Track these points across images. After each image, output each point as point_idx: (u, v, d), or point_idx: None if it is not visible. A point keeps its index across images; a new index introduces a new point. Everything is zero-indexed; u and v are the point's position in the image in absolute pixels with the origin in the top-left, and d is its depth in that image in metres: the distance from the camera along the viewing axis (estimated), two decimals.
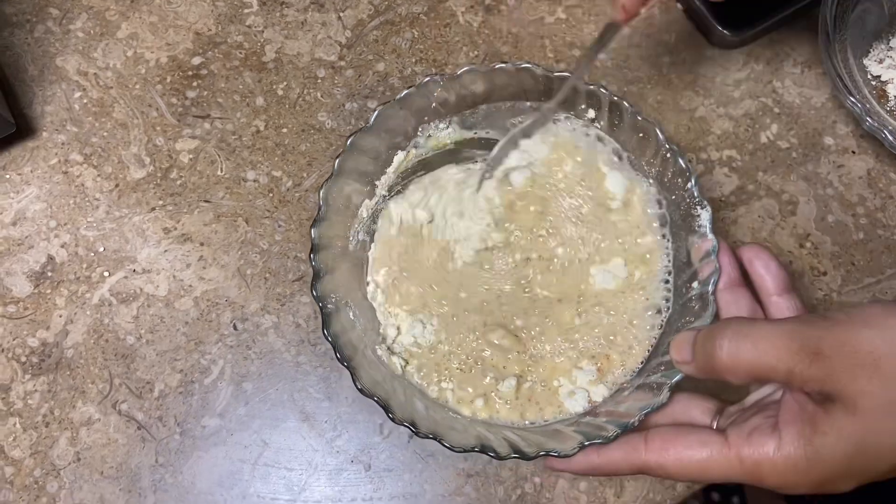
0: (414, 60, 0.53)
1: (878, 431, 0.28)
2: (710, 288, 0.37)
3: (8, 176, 0.49)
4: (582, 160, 0.43)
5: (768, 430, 0.31)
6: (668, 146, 0.39)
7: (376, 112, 0.41)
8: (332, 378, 0.45)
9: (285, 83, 0.52)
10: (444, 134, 0.45)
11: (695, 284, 0.38)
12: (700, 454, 0.33)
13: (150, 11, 0.53)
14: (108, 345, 0.46)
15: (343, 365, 0.36)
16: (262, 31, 0.53)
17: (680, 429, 0.34)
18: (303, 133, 0.51)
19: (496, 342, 0.41)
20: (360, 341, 0.39)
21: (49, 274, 0.47)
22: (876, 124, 0.46)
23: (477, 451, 0.35)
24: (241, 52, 0.53)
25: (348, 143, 0.41)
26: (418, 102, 0.43)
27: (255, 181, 0.50)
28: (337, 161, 0.40)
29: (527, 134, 0.43)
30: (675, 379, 0.35)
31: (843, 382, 0.28)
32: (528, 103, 0.43)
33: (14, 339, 0.46)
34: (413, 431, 0.35)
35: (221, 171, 0.50)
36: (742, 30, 0.51)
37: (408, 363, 0.41)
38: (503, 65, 0.41)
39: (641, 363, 0.40)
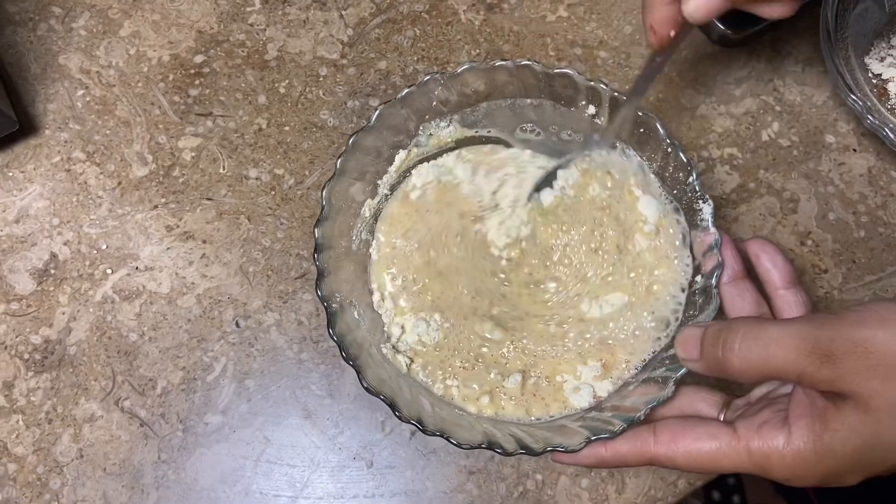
0: (416, 59, 0.53)
1: (888, 428, 0.29)
2: (714, 281, 0.37)
3: (11, 174, 0.49)
4: (612, 185, 0.43)
5: (778, 423, 0.31)
6: (668, 140, 0.39)
7: (378, 111, 0.41)
8: (335, 375, 0.45)
9: (287, 81, 0.52)
10: (446, 132, 0.45)
11: (698, 278, 0.39)
12: (709, 446, 0.33)
13: (153, 10, 0.54)
14: (111, 342, 0.46)
15: (349, 364, 0.36)
16: (265, 30, 0.53)
17: (688, 421, 0.34)
18: (305, 131, 0.51)
19: (487, 335, 0.41)
20: (365, 340, 0.40)
21: (52, 271, 0.47)
22: (877, 122, 0.47)
23: (484, 448, 0.35)
24: (243, 51, 0.53)
25: (350, 142, 0.41)
26: (419, 101, 0.43)
27: (257, 179, 0.50)
28: (339, 161, 0.40)
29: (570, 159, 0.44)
30: (681, 373, 0.35)
31: (855, 383, 0.28)
32: (529, 100, 0.43)
33: (17, 337, 0.46)
34: (420, 429, 0.35)
35: (224, 169, 0.50)
36: (743, 28, 0.51)
37: (413, 361, 0.41)
38: (503, 62, 0.41)
39: (645, 360, 0.40)
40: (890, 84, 0.50)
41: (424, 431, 0.35)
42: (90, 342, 0.46)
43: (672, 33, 0.37)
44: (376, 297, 0.43)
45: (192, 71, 0.52)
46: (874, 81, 0.50)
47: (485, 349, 0.41)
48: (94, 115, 0.51)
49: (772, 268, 0.37)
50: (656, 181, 0.42)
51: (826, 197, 0.50)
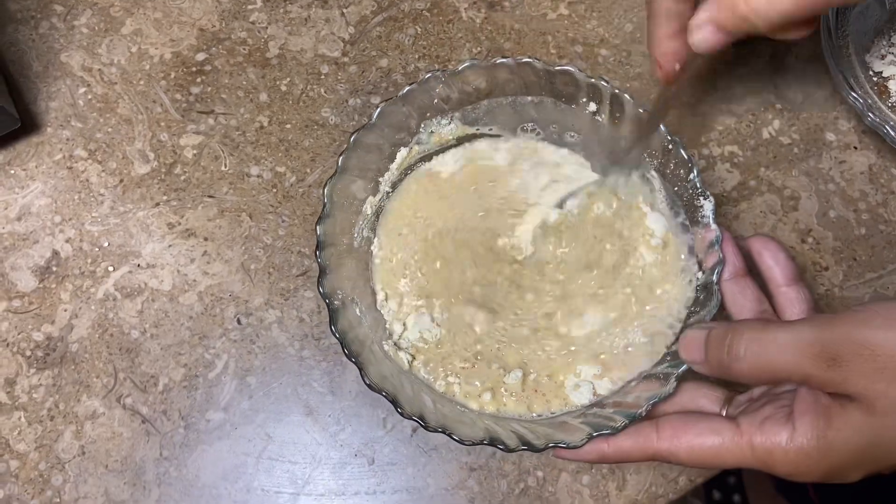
0: (417, 57, 0.53)
1: (893, 429, 0.29)
2: (715, 278, 0.37)
3: (13, 171, 0.49)
4: (618, 205, 0.43)
5: (782, 419, 0.31)
6: (669, 137, 0.39)
7: (379, 108, 0.41)
8: (336, 372, 0.46)
9: (289, 79, 0.52)
10: (447, 130, 0.45)
11: (699, 274, 0.39)
12: (712, 441, 0.33)
13: (155, 8, 0.54)
14: (113, 339, 0.46)
15: (351, 361, 0.37)
16: (266, 28, 0.53)
17: (690, 416, 0.35)
18: (306, 129, 0.51)
19: (477, 328, 0.41)
20: (367, 337, 0.40)
21: (54, 269, 0.47)
22: (878, 120, 0.47)
23: (486, 444, 0.35)
24: (244, 49, 0.53)
25: (351, 140, 0.41)
26: (421, 98, 0.43)
27: (258, 177, 0.50)
28: (340, 158, 0.40)
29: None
30: (682, 369, 0.35)
31: (861, 385, 0.29)
32: (530, 98, 0.43)
33: (19, 334, 0.46)
34: (422, 425, 0.35)
35: (225, 167, 0.50)
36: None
37: (415, 358, 0.41)
38: (504, 60, 0.41)
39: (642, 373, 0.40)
40: (890, 82, 0.50)
41: (426, 428, 0.36)
42: (92, 339, 0.46)
43: (678, 66, 0.36)
44: (380, 296, 0.43)
45: (194, 69, 0.52)
46: (875, 79, 0.50)
47: (479, 346, 0.41)
48: (96, 112, 0.51)
49: (774, 265, 0.37)
50: (665, 199, 0.42)
51: (827, 194, 0.50)
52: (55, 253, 0.48)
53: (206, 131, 0.51)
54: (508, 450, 0.35)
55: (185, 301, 0.47)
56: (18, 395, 0.45)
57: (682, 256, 0.41)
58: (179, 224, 0.49)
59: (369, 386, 0.36)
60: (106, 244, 0.48)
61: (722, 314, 0.38)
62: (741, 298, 0.38)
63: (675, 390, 0.36)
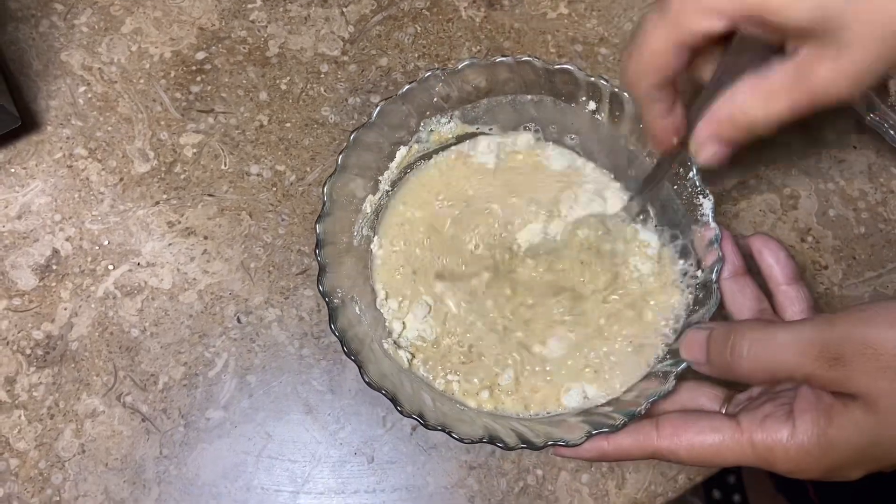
0: (416, 55, 0.53)
1: (895, 426, 0.29)
2: (714, 276, 0.37)
3: (13, 170, 0.49)
4: (603, 230, 0.43)
5: (782, 417, 0.31)
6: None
7: (379, 107, 0.41)
8: (336, 371, 0.46)
9: (288, 78, 0.52)
10: (447, 128, 0.45)
11: (699, 273, 0.39)
12: (712, 439, 0.33)
13: (155, 7, 0.54)
14: (113, 337, 0.46)
15: (350, 359, 0.37)
16: (266, 27, 0.53)
17: (690, 414, 0.35)
18: (306, 127, 0.51)
19: (465, 318, 0.41)
20: (367, 335, 0.40)
21: (54, 267, 0.48)
22: (877, 119, 0.47)
23: (485, 442, 0.35)
24: (244, 47, 0.53)
25: (351, 138, 0.41)
26: (420, 97, 0.43)
27: (258, 175, 0.50)
28: (340, 157, 0.40)
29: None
30: (682, 367, 0.35)
31: (863, 384, 0.29)
32: (529, 96, 0.43)
33: (19, 332, 0.46)
34: (421, 424, 0.36)
35: (225, 166, 0.50)
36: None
37: (414, 357, 0.41)
38: (504, 58, 0.41)
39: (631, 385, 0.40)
40: (890, 81, 0.50)
41: (426, 426, 0.36)
42: (92, 338, 0.46)
43: (675, 140, 0.36)
44: (380, 295, 0.43)
45: (194, 67, 0.52)
46: None
47: (474, 345, 0.41)
48: (96, 111, 0.51)
49: (774, 263, 0.37)
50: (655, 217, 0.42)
51: (826, 193, 0.50)
52: (55, 251, 0.48)
53: (206, 130, 0.51)
54: (508, 448, 0.35)
55: (185, 299, 0.47)
56: (18, 394, 0.45)
57: (677, 267, 0.41)
58: (179, 223, 0.49)
59: (369, 384, 0.36)
60: (106, 243, 0.48)
61: (721, 313, 0.38)
62: (741, 297, 0.38)
63: (675, 389, 0.36)
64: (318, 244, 0.39)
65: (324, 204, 0.40)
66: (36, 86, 0.51)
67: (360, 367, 0.36)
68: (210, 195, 0.49)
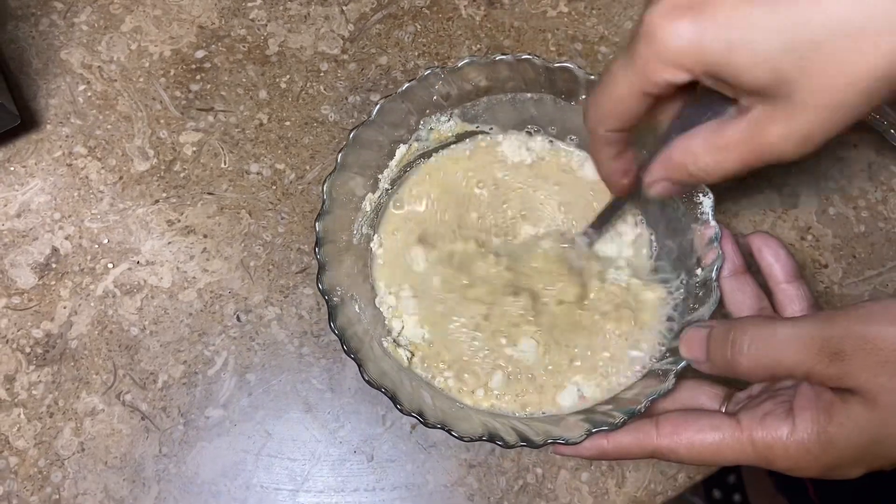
0: (416, 54, 0.53)
1: (895, 425, 0.29)
2: (714, 274, 0.37)
3: (13, 168, 0.49)
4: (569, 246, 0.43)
5: (782, 414, 0.31)
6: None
7: (378, 105, 0.41)
8: (335, 369, 0.46)
9: (288, 76, 0.52)
10: (446, 127, 0.45)
11: (699, 271, 0.39)
12: (712, 437, 0.33)
13: (154, 5, 0.54)
14: (112, 336, 0.46)
15: (350, 357, 0.37)
16: (266, 25, 0.53)
17: (690, 413, 0.35)
18: (306, 126, 0.51)
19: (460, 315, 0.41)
20: (366, 334, 0.40)
21: (53, 266, 0.47)
22: (877, 118, 0.47)
23: (485, 440, 0.35)
24: (244, 46, 0.53)
25: (351, 136, 0.41)
26: (420, 95, 0.43)
27: (258, 174, 0.50)
28: (340, 155, 0.40)
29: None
30: (681, 365, 0.35)
31: (863, 379, 0.29)
32: (529, 95, 0.43)
33: (19, 331, 0.46)
34: (421, 422, 0.35)
35: (225, 164, 0.50)
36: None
37: (413, 355, 0.41)
38: (504, 56, 0.41)
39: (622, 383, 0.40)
40: None
41: (426, 424, 0.36)
42: (91, 336, 0.46)
43: (626, 181, 0.37)
44: (380, 293, 0.43)
45: (194, 66, 0.52)
46: None
47: (469, 344, 0.41)
48: (96, 110, 0.51)
49: (774, 262, 0.37)
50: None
51: (826, 192, 0.50)
52: (55, 250, 0.48)
53: (206, 128, 0.51)
54: (507, 446, 0.35)
55: (185, 298, 0.47)
56: (18, 392, 0.45)
57: (657, 269, 0.42)
58: (179, 221, 0.49)
59: (368, 382, 0.36)
60: (105, 241, 0.48)
61: (721, 312, 0.38)
62: (740, 296, 0.38)
63: (675, 387, 0.36)
64: (318, 242, 0.39)
65: (323, 202, 0.40)
66: (35, 84, 0.51)
67: (359, 366, 0.36)
68: (210, 194, 0.49)
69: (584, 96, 0.42)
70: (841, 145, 0.51)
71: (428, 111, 0.44)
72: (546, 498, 0.43)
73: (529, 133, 0.45)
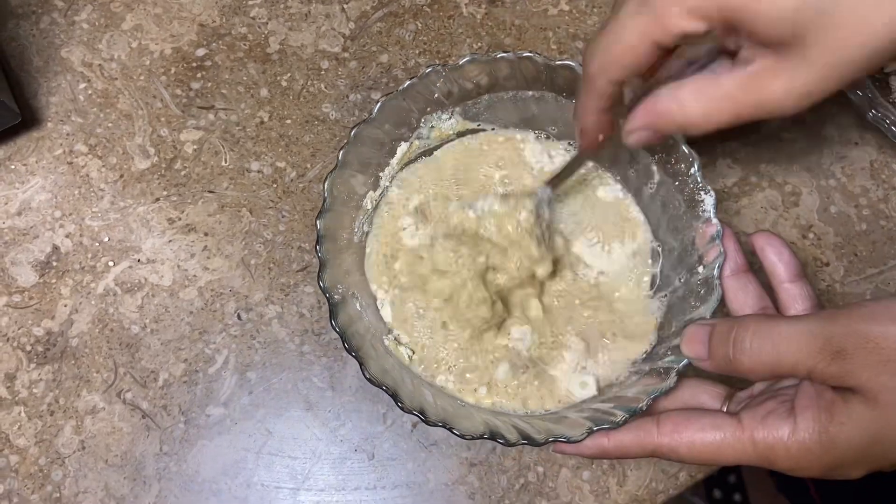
0: (417, 52, 0.53)
1: (895, 422, 0.29)
2: (716, 273, 0.37)
3: (13, 166, 0.49)
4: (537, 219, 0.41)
5: (783, 414, 0.31)
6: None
7: (379, 103, 0.41)
8: (336, 367, 0.46)
9: (289, 74, 0.52)
10: (447, 124, 0.45)
11: (700, 269, 0.39)
12: (713, 437, 0.33)
13: (155, 3, 0.54)
14: (113, 334, 0.46)
15: (351, 355, 0.36)
16: (266, 23, 0.53)
17: (692, 412, 0.34)
18: (306, 124, 0.51)
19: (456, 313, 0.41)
20: (367, 332, 0.40)
21: (54, 264, 0.47)
22: (879, 115, 0.47)
23: (486, 438, 0.35)
24: (245, 44, 0.53)
25: (352, 134, 0.41)
26: (421, 93, 0.43)
27: (259, 172, 0.50)
28: (341, 153, 0.40)
29: None
30: (683, 364, 0.35)
31: (864, 377, 0.28)
32: (531, 92, 0.43)
33: (19, 329, 0.46)
34: (422, 420, 0.35)
35: (225, 162, 0.50)
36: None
37: (414, 353, 0.41)
38: (505, 54, 0.41)
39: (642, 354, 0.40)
40: (892, 77, 0.50)
41: (427, 422, 0.35)
42: (92, 334, 0.46)
43: (601, 138, 0.37)
44: (380, 297, 0.43)
45: (194, 64, 0.52)
46: (876, 75, 0.50)
47: (465, 342, 0.41)
48: (97, 108, 0.51)
49: (777, 261, 0.37)
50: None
51: (828, 190, 0.50)
52: (55, 248, 0.48)
53: (207, 127, 0.51)
54: (509, 444, 0.35)
55: (186, 296, 0.47)
56: (18, 390, 0.45)
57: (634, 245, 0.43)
58: (179, 219, 0.49)
59: (370, 380, 0.36)
60: (106, 239, 0.48)
61: (723, 311, 0.38)
62: (742, 295, 0.37)
63: (676, 386, 0.36)
64: (319, 240, 0.39)
65: (324, 200, 0.40)
66: (36, 82, 0.51)
67: (360, 364, 0.36)
68: (210, 192, 0.49)
69: None
70: (843, 143, 0.51)
71: (429, 109, 0.44)
72: (547, 496, 0.43)
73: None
